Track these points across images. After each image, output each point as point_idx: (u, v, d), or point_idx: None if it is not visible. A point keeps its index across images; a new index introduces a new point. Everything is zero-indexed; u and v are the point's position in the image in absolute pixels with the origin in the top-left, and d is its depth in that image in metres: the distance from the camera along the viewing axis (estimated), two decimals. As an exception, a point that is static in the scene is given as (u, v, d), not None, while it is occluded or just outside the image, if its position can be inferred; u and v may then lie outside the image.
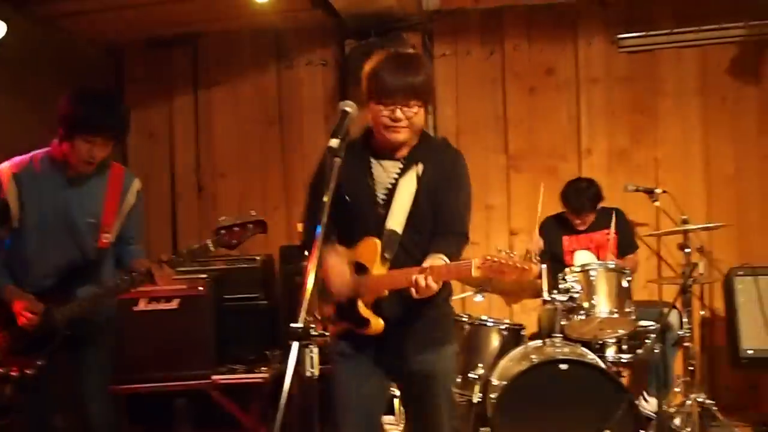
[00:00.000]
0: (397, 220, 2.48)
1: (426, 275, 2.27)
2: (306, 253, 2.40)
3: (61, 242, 3.01)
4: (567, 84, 5.13)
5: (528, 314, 4.84)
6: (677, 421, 3.93)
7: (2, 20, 4.11)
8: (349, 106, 2.25)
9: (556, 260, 4.46)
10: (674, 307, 4.02)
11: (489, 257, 2.21)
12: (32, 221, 3.00)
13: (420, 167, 2.49)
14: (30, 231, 3.00)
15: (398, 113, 2.41)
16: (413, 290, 2.31)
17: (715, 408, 3.94)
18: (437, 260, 2.35)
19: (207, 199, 5.46)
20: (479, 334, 3.97)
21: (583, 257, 4.44)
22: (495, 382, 3.69)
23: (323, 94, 5.33)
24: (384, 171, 2.53)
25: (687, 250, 3.95)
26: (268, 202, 5.30)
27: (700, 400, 3.90)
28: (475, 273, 2.24)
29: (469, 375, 3.82)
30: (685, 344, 4.02)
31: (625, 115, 5.08)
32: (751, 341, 4.31)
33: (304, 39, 5.35)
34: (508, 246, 5.06)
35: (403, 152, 2.53)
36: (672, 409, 4.04)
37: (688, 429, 3.84)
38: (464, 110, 5.20)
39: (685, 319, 3.99)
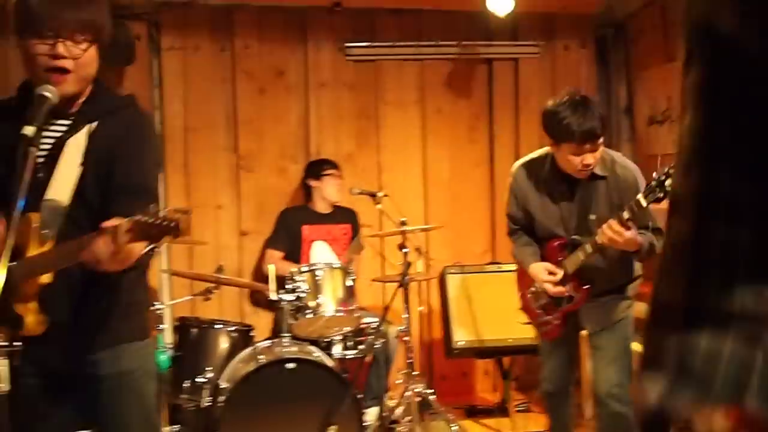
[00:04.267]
0: (61, 188, 2.03)
1: (97, 236, 1.81)
2: None
3: None
4: (297, 87, 5.19)
5: (259, 315, 4.83)
6: (399, 411, 4.14)
7: None
8: (49, 91, 1.93)
9: (294, 251, 4.54)
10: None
11: (138, 218, 1.78)
12: None
13: (92, 125, 2.07)
14: None
15: (60, 48, 1.96)
16: (85, 257, 1.84)
17: (432, 397, 4.21)
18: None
19: None
20: (208, 337, 3.88)
21: (319, 248, 4.55)
22: (223, 384, 3.62)
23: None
24: (51, 130, 2.06)
25: (405, 250, 4.18)
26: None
27: (418, 390, 4.14)
28: (122, 237, 1.77)
29: (197, 379, 3.72)
30: (404, 338, 4.25)
31: (352, 120, 5.27)
32: (462, 333, 4.68)
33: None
34: (238, 247, 5.02)
35: (75, 107, 2.10)
36: (393, 402, 4.26)
37: (409, 418, 4.05)
38: (193, 107, 5.04)
39: (404, 315, 4.21)
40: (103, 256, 1.82)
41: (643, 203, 2.94)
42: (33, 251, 2.01)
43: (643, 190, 2.99)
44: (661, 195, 2.90)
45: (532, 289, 3.51)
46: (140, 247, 1.91)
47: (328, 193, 4.72)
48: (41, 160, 2.04)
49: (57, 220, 2.03)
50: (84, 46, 2.00)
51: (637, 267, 3.44)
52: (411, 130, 5.34)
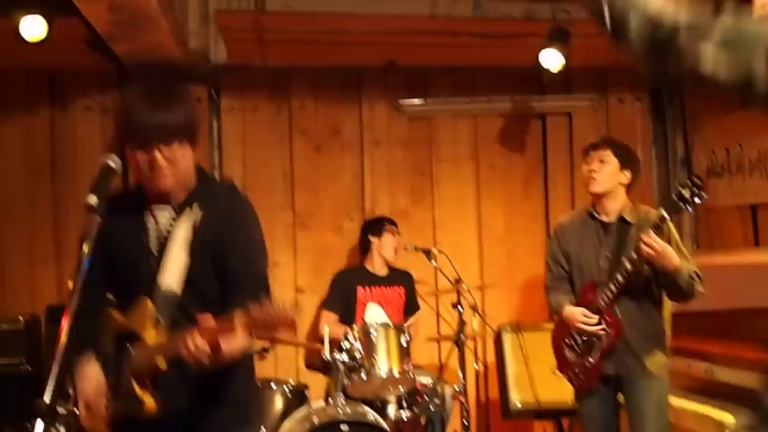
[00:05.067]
0: (172, 276, 2.14)
1: (193, 334, 1.92)
2: None
3: None
4: (352, 144, 5.26)
5: (314, 375, 4.81)
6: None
7: None
8: (112, 160, 1.99)
9: (348, 312, 4.53)
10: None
11: (253, 310, 1.88)
12: None
13: (197, 213, 2.18)
14: None
15: (157, 156, 2.09)
16: (184, 354, 1.94)
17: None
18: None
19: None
20: (263, 395, 3.87)
21: (374, 312, 4.54)
22: (277, 446, 3.61)
23: (102, 142, 5.03)
24: (158, 220, 2.21)
25: (460, 308, 4.13)
26: (35, 256, 4.87)
27: (474, 453, 4.06)
28: (239, 328, 1.89)
29: (251, 439, 3.70)
30: (460, 398, 4.18)
31: (406, 177, 5.30)
32: (519, 394, 4.58)
33: (81, 83, 5.04)
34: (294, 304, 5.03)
35: (179, 198, 2.21)
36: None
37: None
38: (251, 166, 5.14)
39: (460, 375, 4.15)
40: (200, 354, 1.92)
41: (665, 214, 3.20)
42: (149, 337, 2.10)
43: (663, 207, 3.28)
44: (682, 206, 3.18)
45: (567, 340, 3.56)
46: (240, 343, 1.95)
47: (387, 251, 4.71)
48: (152, 249, 2.17)
49: (170, 307, 2.13)
50: (178, 148, 2.12)
51: (666, 316, 3.55)
52: (465, 186, 5.34)
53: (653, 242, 3.18)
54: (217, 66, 5.05)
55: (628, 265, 3.28)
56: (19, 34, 4.07)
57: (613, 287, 3.33)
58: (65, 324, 1.82)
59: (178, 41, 4.43)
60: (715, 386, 4.29)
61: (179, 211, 2.20)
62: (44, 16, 4.05)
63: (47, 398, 1.67)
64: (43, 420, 1.67)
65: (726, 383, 4.23)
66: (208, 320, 1.94)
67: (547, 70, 4.75)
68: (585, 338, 3.47)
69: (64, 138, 5.00)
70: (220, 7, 4.73)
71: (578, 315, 3.43)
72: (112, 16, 3.84)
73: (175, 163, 2.12)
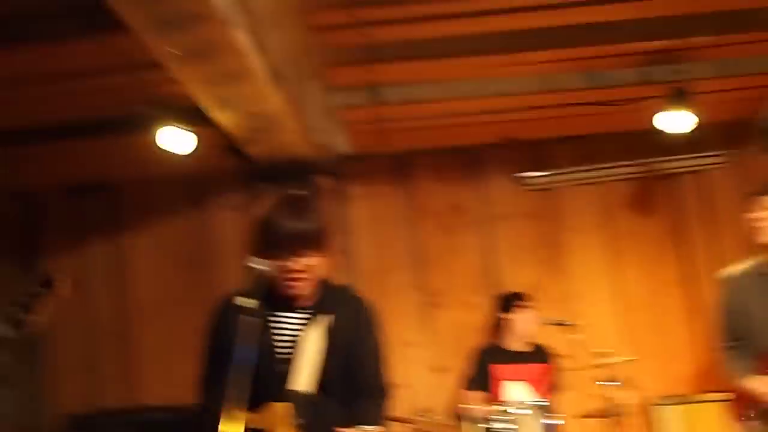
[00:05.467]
0: (305, 379, 2.25)
1: None
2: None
3: None
4: (477, 221, 5.31)
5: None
6: None
7: None
8: (255, 263, 2.15)
9: (486, 389, 4.50)
10: None
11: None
12: None
13: (328, 319, 2.31)
14: None
15: (293, 265, 2.25)
16: None
17: None
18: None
19: (128, 346, 5.28)
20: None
21: (514, 389, 4.47)
22: None
23: (238, 237, 5.34)
24: (285, 324, 2.32)
25: (608, 383, 4.01)
26: (192, 345, 5.14)
27: None
28: None
29: None
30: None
31: (534, 250, 5.27)
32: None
33: (219, 184, 5.41)
34: (430, 385, 5.05)
35: (307, 302, 2.35)
36: None
37: None
38: (380, 249, 5.29)
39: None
40: None
41: None
42: None
43: None
44: None
45: (750, 413, 3.25)
46: None
47: (522, 327, 4.66)
48: (281, 352, 2.28)
49: (307, 410, 2.22)
50: (315, 260, 2.29)
51: None
52: (597, 255, 5.25)
53: None
54: (342, 156, 5.28)
55: None
56: (161, 146, 4.45)
57: None
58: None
59: (305, 138, 4.69)
60: None
61: (311, 316, 2.32)
62: (182, 129, 4.41)
63: None
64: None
65: None
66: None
67: (666, 132, 4.66)
68: None
69: (207, 236, 5.34)
70: (341, 102, 4.97)
71: (765, 389, 3.17)
72: (245, 123, 4.14)
73: (311, 271, 2.28)
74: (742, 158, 5.25)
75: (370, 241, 5.30)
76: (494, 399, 4.46)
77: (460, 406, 4.26)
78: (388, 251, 5.28)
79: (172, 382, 5.07)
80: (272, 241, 2.27)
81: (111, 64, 3.87)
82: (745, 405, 3.32)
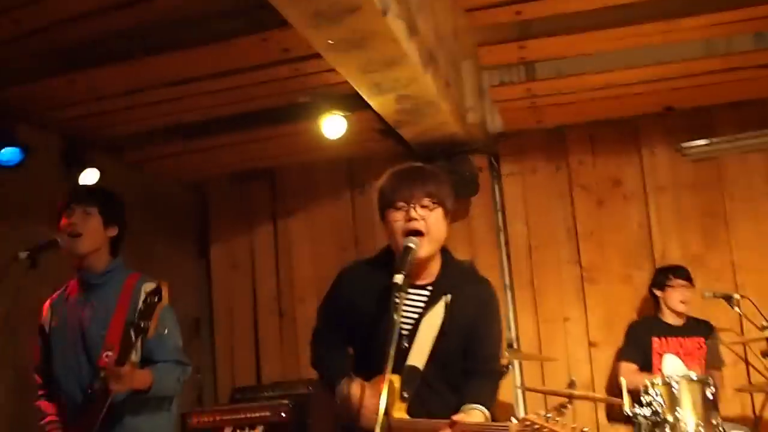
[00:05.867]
0: (419, 354, 2.30)
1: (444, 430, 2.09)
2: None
3: (77, 358, 2.85)
4: (635, 194, 5.21)
5: (616, 429, 4.76)
6: None
7: (98, 168, 4.54)
8: (412, 243, 2.24)
9: (645, 363, 4.46)
10: None
11: (529, 421, 2.03)
12: (56, 339, 2.93)
13: (448, 297, 2.34)
14: (54, 348, 2.92)
15: (412, 212, 2.29)
16: None
17: None
18: (473, 413, 2.21)
19: (288, 323, 5.64)
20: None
21: (671, 362, 4.41)
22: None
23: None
24: (408, 300, 2.32)
25: (771, 357, 3.88)
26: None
27: None
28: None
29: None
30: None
31: (696, 221, 5.10)
32: None
33: (375, 166, 5.56)
34: (587, 359, 5.04)
35: (428, 279, 2.39)
36: None
37: None
38: (535, 225, 5.31)
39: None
40: None
41: None
42: (395, 411, 2.27)
43: None
44: None
45: None
46: None
47: (673, 303, 4.57)
48: (405, 328, 2.33)
49: (413, 384, 2.30)
50: (431, 208, 2.33)
51: None
52: (764, 225, 5.00)
53: None
54: (495, 134, 5.33)
55: None
56: (322, 133, 4.70)
57: None
58: (385, 385, 2.09)
59: (457, 118, 4.78)
60: None
61: (433, 294, 2.36)
62: (343, 116, 4.63)
63: None
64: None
65: None
66: (459, 419, 2.11)
67: None
68: None
69: (364, 218, 5.57)
70: (493, 81, 5.01)
71: None
72: (399, 106, 4.29)
73: (428, 221, 2.31)
74: None
75: (525, 217, 5.33)
76: (652, 372, 4.41)
77: (621, 378, 4.24)
78: (543, 227, 5.29)
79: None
80: (392, 193, 2.35)
81: (274, 59, 4.13)
82: None
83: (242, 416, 4.11)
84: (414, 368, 2.30)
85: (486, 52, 4.81)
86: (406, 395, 2.27)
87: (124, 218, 3.01)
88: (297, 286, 5.65)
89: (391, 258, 2.35)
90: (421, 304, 2.36)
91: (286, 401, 4.39)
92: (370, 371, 2.34)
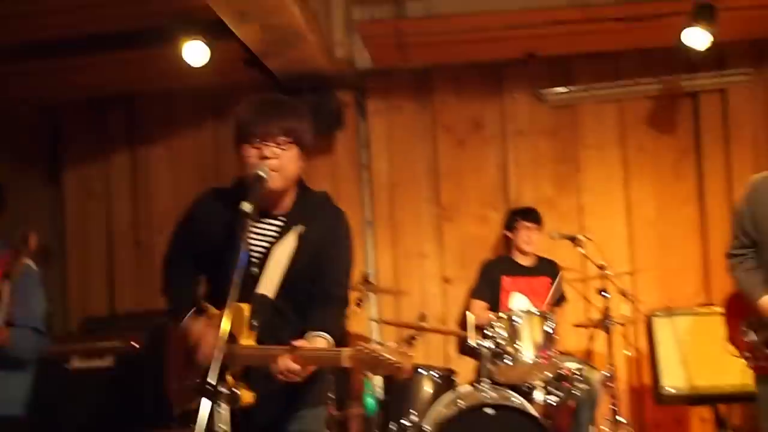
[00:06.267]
0: (270, 283, 2.32)
1: (289, 358, 2.12)
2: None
3: None
4: (494, 137, 5.37)
5: (465, 361, 4.99)
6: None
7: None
8: (263, 171, 2.24)
9: (494, 300, 4.68)
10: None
11: (361, 348, 2.03)
12: None
13: (301, 228, 2.36)
14: None
15: (266, 151, 2.28)
16: (274, 371, 2.15)
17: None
18: (316, 339, 2.23)
19: (145, 253, 5.52)
20: (412, 381, 4.09)
21: (518, 301, 4.65)
22: (426, 428, 3.81)
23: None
24: (261, 229, 2.36)
25: (606, 295, 4.16)
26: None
27: (625, 438, 4.08)
28: (345, 363, 2.07)
29: (403, 422, 3.94)
30: (609, 384, 4.20)
31: (550, 165, 5.34)
32: (671, 379, 4.52)
33: (239, 97, 5.44)
34: (442, 294, 5.24)
35: (283, 210, 2.40)
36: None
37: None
38: (398, 164, 5.40)
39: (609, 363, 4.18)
40: (290, 373, 2.14)
41: None
42: (243, 339, 2.27)
43: None
44: None
45: (749, 321, 3.29)
46: (309, 369, 2.18)
47: (520, 244, 4.80)
48: (255, 257, 2.34)
49: (264, 313, 2.30)
50: (285, 146, 2.32)
51: None
52: (612, 171, 5.30)
53: None
54: (362, 71, 5.33)
55: None
56: (183, 60, 4.54)
57: None
58: (227, 315, 2.10)
59: (325, 52, 4.74)
60: None
61: (285, 223, 2.38)
62: (205, 42, 4.48)
63: (212, 380, 1.97)
64: (209, 399, 1.97)
65: None
66: (299, 344, 2.15)
67: (693, 49, 4.63)
68: None
69: (227, 149, 5.44)
70: (362, 17, 4.98)
71: None
72: (264, 36, 4.20)
73: (282, 160, 2.30)
74: (763, 77, 5.19)
75: (388, 155, 5.40)
76: (500, 309, 4.65)
77: (467, 313, 4.45)
78: (405, 165, 5.38)
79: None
80: (246, 129, 2.32)
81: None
82: (744, 313, 3.31)
83: (90, 346, 4.02)
84: (264, 297, 2.31)
85: (357, -13, 4.77)
86: (255, 323, 2.28)
87: None
88: (155, 217, 5.51)
89: (245, 188, 2.32)
90: (274, 234, 2.37)
91: (140, 332, 4.34)
92: (219, 299, 2.30)
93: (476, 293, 4.86)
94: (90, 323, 5.02)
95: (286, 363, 2.13)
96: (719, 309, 4.16)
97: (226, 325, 2.07)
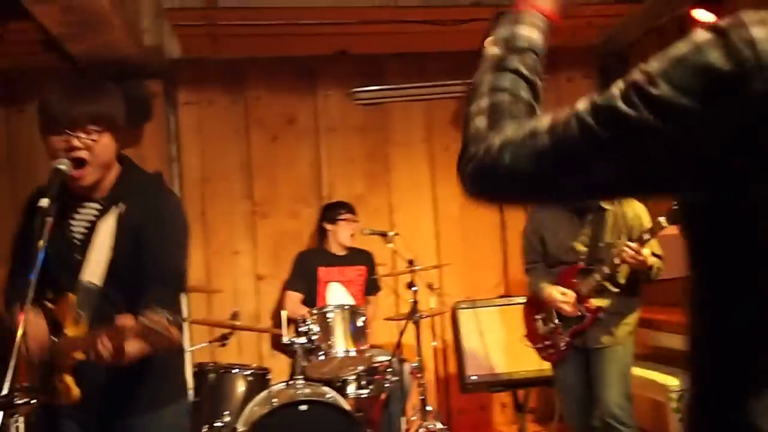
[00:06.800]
0: (95, 269, 2.20)
1: (102, 337, 1.96)
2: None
3: None
4: (307, 133, 5.39)
5: (278, 359, 4.97)
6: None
7: None
8: (62, 164, 2.11)
9: (310, 292, 4.69)
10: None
11: (140, 321, 1.93)
12: None
13: (121, 207, 2.24)
14: None
15: (74, 141, 2.14)
16: (90, 355, 2.01)
17: (448, 432, 4.31)
18: (148, 315, 2.02)
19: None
20: (225, 381, 4.02)
21: (335, 290, 4.70)
22: (240, 428, 3.75)
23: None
24: (81, 213, 2.26)
25: (414, 288, 4.31)
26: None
27: (431, 426, 4.24)
28: (131, 336, 1.94)
29: (215, 424, 3.86)
30: (418, 375, 4.36)
31: (362, 162, 5.44)
32: (474, 368, 4.78)
33: (37, 83, 5.08)
34: (255, 291, 5.19)
35: (102, 191, 2.27)
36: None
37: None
38: (210, 158, 5.26)
39: (417, 354, 4.34)
40: (104, 353, 1.97)
41: (665, 224, 3.34)
42: (70, 329, 2.14)
43: (664, 216, 3.36)
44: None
45: (541, 315, 3.83)
46: (137, 348, 2.01)
47: (342, 237, 4.87)
48: (77, 242, 2.22)
49: (92, 300, 2.17)
50: (96, 136, 2.17)
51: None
52: (420, 170, 5.49)
53: (635, 255, 3.44)
54: (172, 61, 5.13)
55: (607, 270, 3.56)
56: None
57: (598, 277, 3.59)
58: (21, 320, 1.95)
59: (132, 39, 4.50)
60: (660, 352, 4.52)
61: (104, 204, 2.25)
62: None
63: (5, 390, 1.80)
64: (2, 410, 1.80)
65: (670, 348, 4.46)
66: (123, 321, 1.96)
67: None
68: (560, 316, 3.73)
69: (20, 137, 5.07)
70: (173, 4, 4.80)
71: (558, 295, 3.67)
72: (64, 18, 3.92)
73: (93, 151, 2.17)
74: (557, 82, 5.60)
75: (198, 148, 5.25)
76: (317, 300, 4.68)
77: (286, 306, 4.45)
78: (216, 159, 5.26)
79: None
80: (52, 119, 2.17)
81: None
82: (536, 308, 3.90)
83: None
84: (90, 284, 2.18)
85: (167, -27, 4.59)
86: (81, 313, 2.14)
87: None
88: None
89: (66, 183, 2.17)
90: (93, 217, 2.25)
91: None
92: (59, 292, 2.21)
93: (291, 285, 4.86)
94: None
95: (102, 341, 1.97)
96: (517, 300, 4.51)
97: (21, 329, 1.91)
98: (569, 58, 5.58)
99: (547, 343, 3.82)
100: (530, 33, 1.20)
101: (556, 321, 3.75)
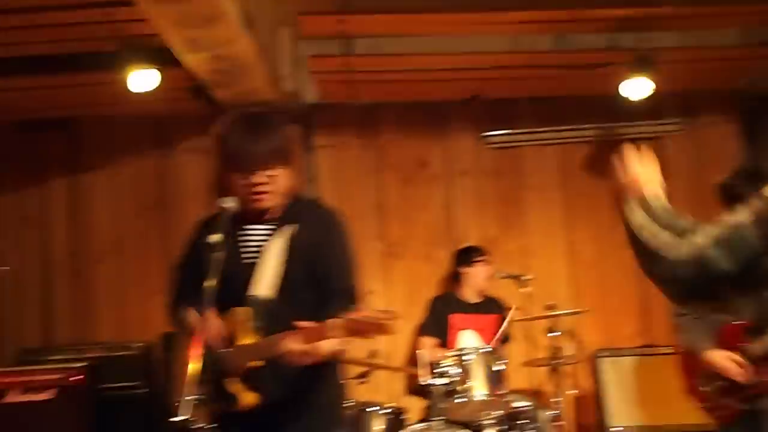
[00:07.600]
0: (266, 284, 2.29)
1: (291, 336, 2.09)
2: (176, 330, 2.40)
3: None
4: (439, 176, 5.41)
5: (413, 399, 4.91)
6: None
7: None
8: (226, 203, 2.24)
9: (442, 337, 4.64)
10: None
11: (347, 316, 2.03)
12: None
13: (293, 227, 2.34)
14: None
15: (257, 179, 2.28)
16: (281, 353, 2.11)
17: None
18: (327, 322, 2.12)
19: (83, 284, 5.27)
20: (362, 419, 4.01)
21: (467, 338, 4.63)
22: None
23: (204, 179, 5.33)
24: (253, 235, 2.37)
25: (553, 334, 4.19)
26: (149, 287, 5.19)
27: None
28: (332, 333, 2.05)
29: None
30: (556, 423, 4.21)
31: (494, 206, 5.40)
32: (617, 418, 4.57)
33: (185, 127, 5.38)
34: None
35: (273, 214, 2.38)
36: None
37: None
38: (343, 199, 5.32)
39: (557, 399, 4.19)
40: (295, 353, 2.09)
41: None
42: (243, 339, 2.25)
43: None
44: None
45: (702, 372, 3.36)
46: (329, 346, 2.12)
47: (478, 280, 4.81)
48: (248, 260, 2.32)
49: (265, 312, 2.27)
50: (275, 171, 2.31)
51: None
52: (554, 213, 5.40)
53: None
54: (310, 106, 5.29)
55: None
56: (128, 87, 4.41)
57: None
58: (195, 353, 2.02)
59: (273, 85, 4.69)
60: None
61: (277, 225, 2.36)
62: (158, 69, 4.38)
63: (184, 414, 1.92)
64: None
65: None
66: (304, 325, 2.08)
67: (629, 99, 4.79)
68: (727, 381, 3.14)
69: (169, 178, 5.33)
70: (312, 51, 4.97)
71: (728, 363, 3.08)
72: (214, 66, 4.13)
73: (274, 183, 2.31)
74: (696, 127, 5.41)
75: (334, 190, 5.35)
76: (448, 346, 4.62)
77: (417, 351, 4.41)
78: (351, 201, 5.34)
79: (125, 322, 5.13)
80: (233, 158, 2.30)
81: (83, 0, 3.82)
82: (692, 363, 3.33)
83: (30, 378, 3.78)
84: (261, 298, 2.28)
85: (306, 22, 4.76)
86: (256, 325, 2.25)
87: None
88: (95, 246, 5.28)
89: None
90: (265, 237, 2.36)
91: (80, 364, 4.13)
92: (225, 307, 2.31)
93: (425, 329, 4.82)
94: (26, 355, 4.74)
95: (290, 343, 2.08)
96: (663, 349, 4.27)
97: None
98: (711, 102, 5.38)
99: (712, 402, 3.42)
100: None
101: (723, 381, 3.12)
